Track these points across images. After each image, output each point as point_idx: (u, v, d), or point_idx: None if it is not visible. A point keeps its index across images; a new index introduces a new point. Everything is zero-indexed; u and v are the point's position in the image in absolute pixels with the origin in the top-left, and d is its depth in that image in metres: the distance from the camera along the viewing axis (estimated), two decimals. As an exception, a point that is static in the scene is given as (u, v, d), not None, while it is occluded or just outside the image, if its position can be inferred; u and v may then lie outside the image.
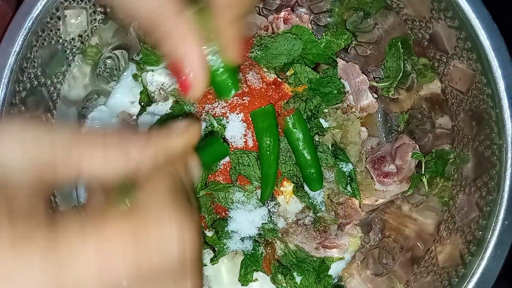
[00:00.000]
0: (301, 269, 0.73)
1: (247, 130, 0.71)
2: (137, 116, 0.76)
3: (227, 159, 0.70)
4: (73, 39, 0.69)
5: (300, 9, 0.80)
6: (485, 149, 0.62)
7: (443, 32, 0.65)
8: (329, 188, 0.72)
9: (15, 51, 0.62)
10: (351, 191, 0.72)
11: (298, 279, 0.74)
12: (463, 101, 0.66)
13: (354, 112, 0.75)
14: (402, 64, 0.74)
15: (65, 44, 0.69)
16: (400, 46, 0.73)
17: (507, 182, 0.59)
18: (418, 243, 0.72)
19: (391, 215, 0.78)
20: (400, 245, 0.74)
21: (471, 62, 0.63)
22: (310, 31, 0.75)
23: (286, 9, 0.78)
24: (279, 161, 0.70)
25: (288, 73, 0.75)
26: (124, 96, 0.80)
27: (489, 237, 0.59)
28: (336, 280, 0.77)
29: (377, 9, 0.74)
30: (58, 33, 0.67)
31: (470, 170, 0.65)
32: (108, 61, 0.78)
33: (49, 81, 0.68)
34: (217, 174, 0.71)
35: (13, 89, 0.61)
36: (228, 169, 0.70)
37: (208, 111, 0.72)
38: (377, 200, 0.74)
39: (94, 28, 0.72)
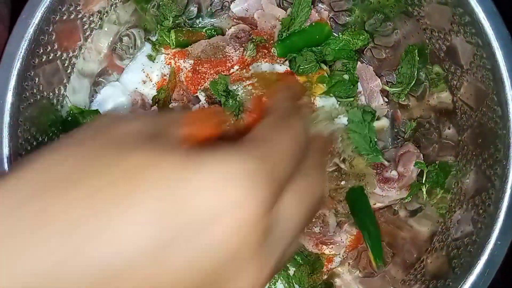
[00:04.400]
0: (296, 261, 0.75)
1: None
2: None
3: None
4: (92, 15, 0.70)
5: (320, 5, 0.80)
6: (487, 168, 0.63)
7: (460, 46, 0.65)
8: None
9: (34, 22, 0.62)
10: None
11: (291, 271, 0.76)
12: (472, 117, 0.66)
13: (364, 114, 0.75)
14: (416, 72, 0.73)
15: (84, 20, 0.69)
16: (417, 54, 0.73)
17: (505, 204, 0.60)
18: (410, 250, 0.73)
19: (387, 219, 0.79)
20: (392, 250, 0.75)
21: (485, 79, 0.63)
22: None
23: (307, 3, 0.78)
24: None
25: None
26: (136, 74, 0.80)
27: (480, 254, 0.60)
28: (326, 276, 0.79)
29: (396, 14, 0.73)
30: (78, 8, 0.67)
31: (470, 187, 0.66)
32: (125, 38, 0.78)
33: (65, 55, 0.69)
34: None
35: (29, 62, 0.62)
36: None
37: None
38: (375, 204, 0.76)
39: (114, 5, 0.72)
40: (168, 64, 0.77)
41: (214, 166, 0.29)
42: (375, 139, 0.74)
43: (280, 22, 0.75)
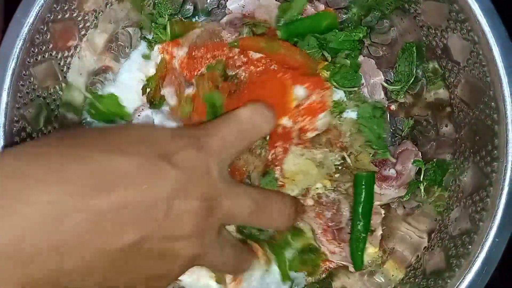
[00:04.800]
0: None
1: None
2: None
3: None
4: (87, 14, 0.69)
5: (317, 2, 0.79)
6: (485, 166, 0.63)
7: (457, 43, 0.65)
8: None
9: (28, 22, 0.62)
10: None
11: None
12: (469, 114, 0.66)
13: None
14: (415, 69, 0.73)
15: (79, 19, 0.69)
16: (415, 51, 0.72)
17: (503, 201, 0.60)
18: (408, 249, 0.73)
19: (385, 217, 0.78)
20: (390, 248, 0.75)
21: (482, 77, 0.62)
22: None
23: None
24: None
25: None
26: (132, 73, 0.80)
27: (478, 252, 0.60)
28: (324, 275, 0.78)
29: (392, 11, 0.73)
30: (73, 7, 0.67)
31: (468, 184, 0.66)
32: (121, 37, 0.78)
33: (60, 54, 0.69)
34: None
35: (24, 61, 0.62)
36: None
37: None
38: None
39: (109, 4, 0.71)
40: (162, 53, 0.76)
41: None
42: (384, 135, 0.74)
43: (278, 8, 0.75)
